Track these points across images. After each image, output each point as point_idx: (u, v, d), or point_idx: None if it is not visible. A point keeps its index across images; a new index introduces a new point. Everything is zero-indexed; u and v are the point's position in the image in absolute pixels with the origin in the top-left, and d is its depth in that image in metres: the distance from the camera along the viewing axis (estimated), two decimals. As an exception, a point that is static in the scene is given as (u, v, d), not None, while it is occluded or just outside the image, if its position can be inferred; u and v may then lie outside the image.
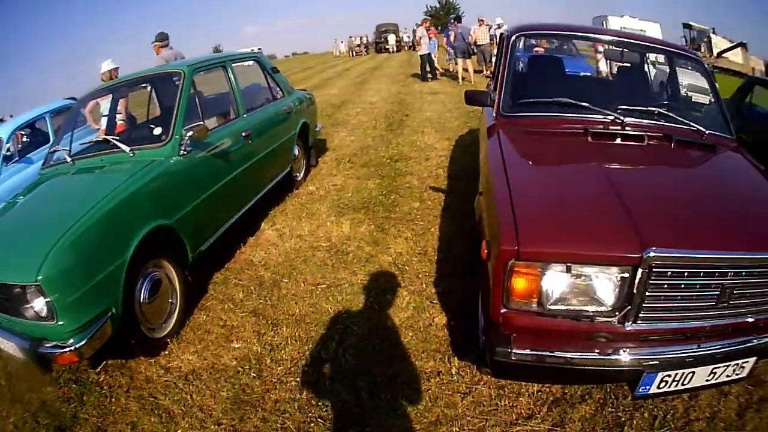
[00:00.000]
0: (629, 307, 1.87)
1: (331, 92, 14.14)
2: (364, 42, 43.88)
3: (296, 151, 5.43)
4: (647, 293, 1.88)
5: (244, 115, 4.35)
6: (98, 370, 2.83)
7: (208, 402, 2.51)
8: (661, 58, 4.94)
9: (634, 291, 1.85)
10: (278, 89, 5.34)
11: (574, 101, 2.92)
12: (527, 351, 1.91)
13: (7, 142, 5.54)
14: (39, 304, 2.37)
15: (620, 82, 4.34)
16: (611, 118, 2.85)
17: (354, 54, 42.27)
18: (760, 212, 2.22)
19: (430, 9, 59.83)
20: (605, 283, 1.88)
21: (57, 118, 6.10)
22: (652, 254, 1.79)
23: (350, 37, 45.43)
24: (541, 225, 1.99)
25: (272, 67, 5.51)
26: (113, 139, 3.44)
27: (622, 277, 1.85)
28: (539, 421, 2.25)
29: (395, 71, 19.60)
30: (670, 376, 1.98)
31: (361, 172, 5.99)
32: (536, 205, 2.13)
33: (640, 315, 1.91)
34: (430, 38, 14.69)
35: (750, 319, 2.04)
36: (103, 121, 4.77)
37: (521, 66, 4.19)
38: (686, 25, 20.11)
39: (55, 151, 3.59)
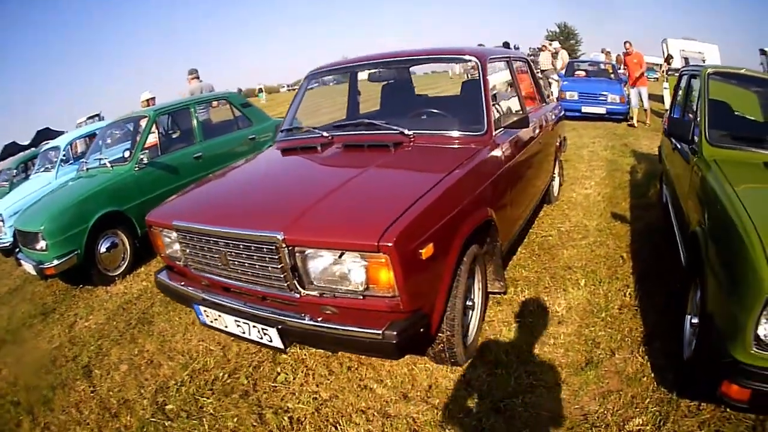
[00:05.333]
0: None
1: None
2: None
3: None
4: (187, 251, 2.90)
5: (201, 142, 6.58)
6: (79, 287, 5.40)
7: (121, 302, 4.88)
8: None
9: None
10: (246, 120, 7.43)
11: None
12: None
13: (64, 150, 7.96)
14: (41, 242, 4.97)
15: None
16: None
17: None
18: (312, 200, 2.67)
19: (550, 33, 58.57)
20: None
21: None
22: (173, 223, 2.87)
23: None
24: None
25: (242, 102, 7.69)
26: (102, 158, 6.02)
27: None
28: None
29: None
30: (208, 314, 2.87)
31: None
32: None
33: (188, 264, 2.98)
34: None
35: (258, 288, 2.63)
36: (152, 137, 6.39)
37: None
38: (762, 52, 19.67)
39: (83, 163, 6.30)
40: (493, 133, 3.44)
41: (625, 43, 12.34)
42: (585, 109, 12.53)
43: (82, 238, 5.07)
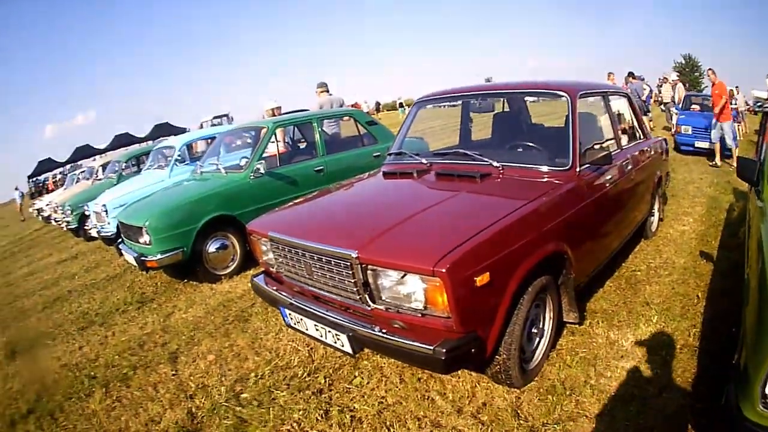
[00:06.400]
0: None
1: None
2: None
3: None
4: (279, 259, 3.26)
5: (323, 155, 6.77)
6: (183, 282, 5.99)
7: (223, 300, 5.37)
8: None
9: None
10: (372, 137, 7.56)
11: None
12: None
13: (179, 150, 8.49)
14: (145, 237, 5.55)
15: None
16: None
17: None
18: (391, 223, 2.91)
19: (677, 64, 58.41)
20: None
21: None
22: (269, 234, 3.23)
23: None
24: None
25: (368, 120, 7.83)
26: (218, 163, 6.53)
27: None
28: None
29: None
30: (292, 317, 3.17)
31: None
32: None
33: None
34: None
35: (337, 298, 2.93)
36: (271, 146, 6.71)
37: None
38: None
39: (199, 165, 6.90)
40: (578, 169, 3.57)
41: (708, 70, 11.61)
42: (698, 144, 12.35)
43: (190, 237, 5.59)
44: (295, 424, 3.01)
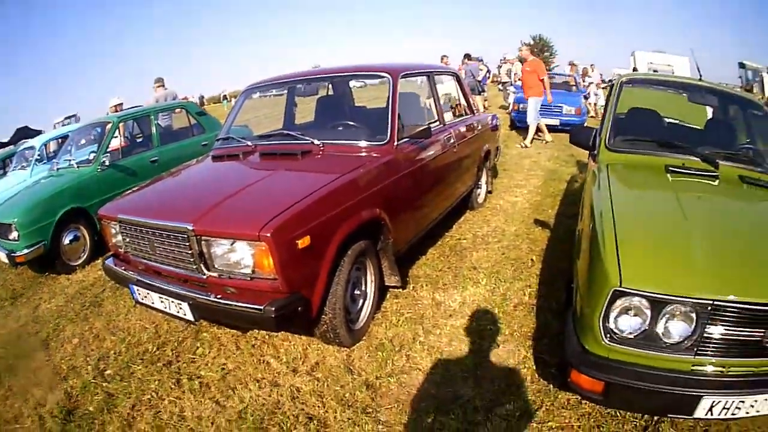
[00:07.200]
0: None
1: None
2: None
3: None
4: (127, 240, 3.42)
5: (158, 147, 7.32)
6: (45, 275, 6.00)
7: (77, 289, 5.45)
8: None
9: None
10: (201, 127, 8.18)
11: None
12: None
13: (39, 150, 8.67)
14: (14, 233, 5.55)
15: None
16: None
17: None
18: (220, 198, 3.17)
19: (524, 46, 58.56)
20: None
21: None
22: (118, 216, 3.40)
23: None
24: None
25: (198, 111, 8.43)
26: (70, 159, 6.68)
27: None
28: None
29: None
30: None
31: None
32: None
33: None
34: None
35: (177, 270, 3.14)
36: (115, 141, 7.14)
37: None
38: (741, 65, 20.34)
39: (55, 163, 6.94)
40: (396, 143, 3.89)
41: (522, 46, 11.85)
42: None
43: (48, 230, 5.68)
44: (153, 394, 3.25)
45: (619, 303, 2.21)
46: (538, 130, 11.26)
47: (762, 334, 2.14)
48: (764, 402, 2.18)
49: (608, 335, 2.26)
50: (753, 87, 19.40)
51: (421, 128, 4.03)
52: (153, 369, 3.54)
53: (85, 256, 6.18)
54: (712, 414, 2.21)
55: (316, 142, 3.95)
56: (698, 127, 4.53)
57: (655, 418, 2.70)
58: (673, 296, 2.14)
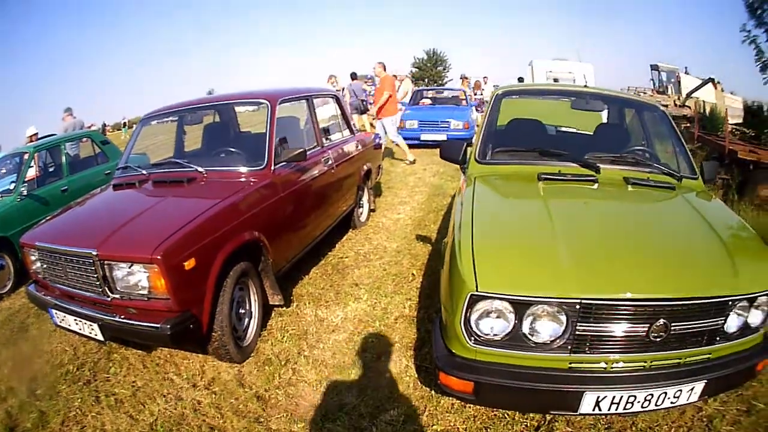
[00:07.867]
0: None
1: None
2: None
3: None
4: (44, 266, 3.67)
5: (67, 176, 7.63)
6: None
7: None
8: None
9: None
10: (105, 157, 8.51)
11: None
12: None
13: None
14: None
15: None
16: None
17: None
18: (119, 224, 3.44)
19: (417, 61, 57.48)
20: None
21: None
22: (36, 243, 3.62)
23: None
24: None
25: (102, 140, 8.80)
26: None
27: None
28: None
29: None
30: None
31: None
32: None
33: None
34: None
35: (86, 294, 3.40)
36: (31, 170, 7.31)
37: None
38: (654, 67, 19.98)
39: None
40: (273, 167, 4.17)
41: (376, 64, 11.25)
42: (424, 136, 12.57)
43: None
44: (78, 410, 3.53)
45: (480, 306, 2.27)
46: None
47: (646, 329, 2.19)
48: (663, 396, 2.25)
49: (473, 338, 2.31)
50: (667, 88, 19.08)
51: (297, 152, 4.31)
52: (75, 388, 3.81)
53: (10, 284, 6.36)
54: (600, 409, 2.26)
55: (200, 169, 4.22)
56: (588, 133, 4.60)
57: (548, 417, 2.84)
58: (535, 297, 2.20)
